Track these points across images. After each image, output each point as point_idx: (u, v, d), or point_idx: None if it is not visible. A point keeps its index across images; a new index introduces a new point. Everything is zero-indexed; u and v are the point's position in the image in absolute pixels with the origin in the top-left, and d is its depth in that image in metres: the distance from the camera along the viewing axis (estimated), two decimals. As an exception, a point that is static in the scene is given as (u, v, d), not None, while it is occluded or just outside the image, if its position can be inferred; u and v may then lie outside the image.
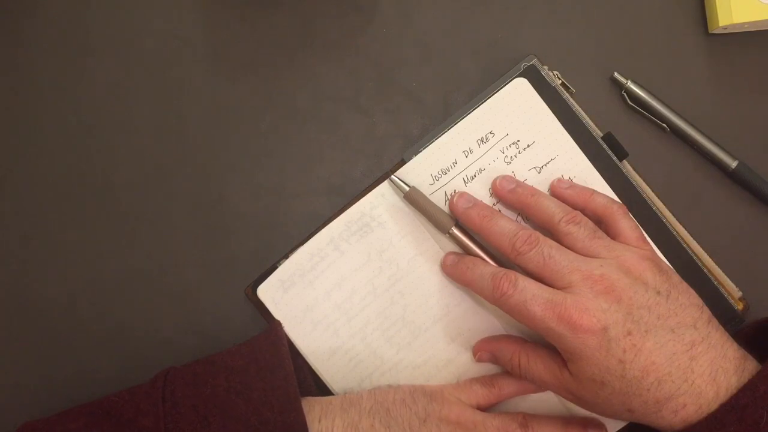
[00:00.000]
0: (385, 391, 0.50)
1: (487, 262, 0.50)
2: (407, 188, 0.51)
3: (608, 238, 0.48)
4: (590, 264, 0.46)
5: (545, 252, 0.47)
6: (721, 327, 0.45)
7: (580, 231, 0.48)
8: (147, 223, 0.55)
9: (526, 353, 0.49)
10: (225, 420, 0.45)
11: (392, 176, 0.52)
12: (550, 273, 0.46)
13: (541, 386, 0.50)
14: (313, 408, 0.48)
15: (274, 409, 0.45)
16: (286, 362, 0.48)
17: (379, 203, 0.53)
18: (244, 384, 0.46)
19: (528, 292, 0.45)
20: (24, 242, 0.55)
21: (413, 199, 0.52)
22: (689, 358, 0.43)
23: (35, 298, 0.55)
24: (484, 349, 0.52)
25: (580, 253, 0.47)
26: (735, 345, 0.45)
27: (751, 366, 0.44)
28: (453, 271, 0.51)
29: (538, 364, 0.48)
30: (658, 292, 0.45)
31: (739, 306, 0.52)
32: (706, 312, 0.45)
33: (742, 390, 0.42)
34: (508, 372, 0.51)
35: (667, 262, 0.50)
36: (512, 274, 0.46)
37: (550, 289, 0.45)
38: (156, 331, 0.54)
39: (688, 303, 0.45)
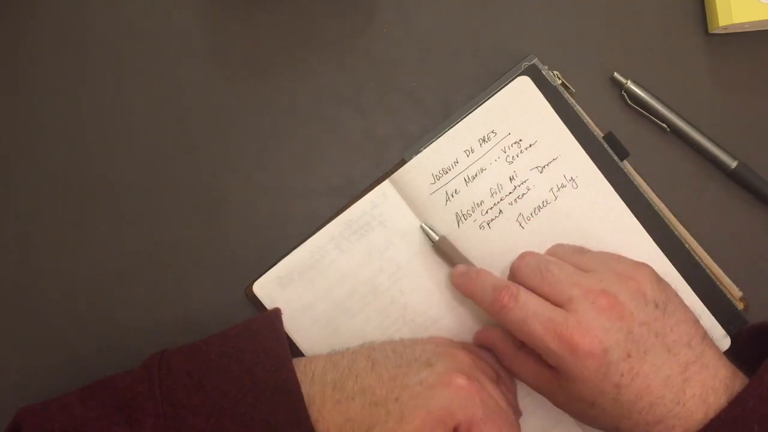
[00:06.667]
0: (373, 342, 0.51)
1: (491, 273, 0.49)
2: (437, 237, 0.51)
3: (596, 251, 0.48)
4: (590, 278, 0.45)
5: (542, 266, 0.46)
6: (713, 343, 0.45)
7: (566, 249, 0.49)
8: (147, 223, 0.55)
9: (521, 351, 0.48)
10: (218, 382, 0.45)
11: (422, 224, 0.52)
12: (549, 287, 0.45)
13: (527, 383, 0.49)
14: (300, 362, 0.48)
15: (266, 369, 0.45)
16: (278, 326, 0.48)
17: (380, 202, 0.52)
18: (236, 347, 0.47)
19: (529, 307, 0.45)
20: (24, 242, 0.55)
21: (441, 249, 0.51)
22: (683, 380, 0.42)
23: (35, 296, 0.54)
24: (484, 336, 0.51)
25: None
26: (726, 362, 0.44)
27: (740, 384, 0.43)
28: (459, 281, 0.50)
29: (529, 364, 0.47)
30: (656, 305, 0.44)
31: (740, 306, 0.52)
32: (701, 328, 0.45)
33: (732, 404, 0.42)
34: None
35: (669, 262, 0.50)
36: (514, 287, 0.46)
37: (552, 307, 0.44)
38: (156, 330, 0.54)
39: (684, 318, 0.45)
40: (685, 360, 0.43)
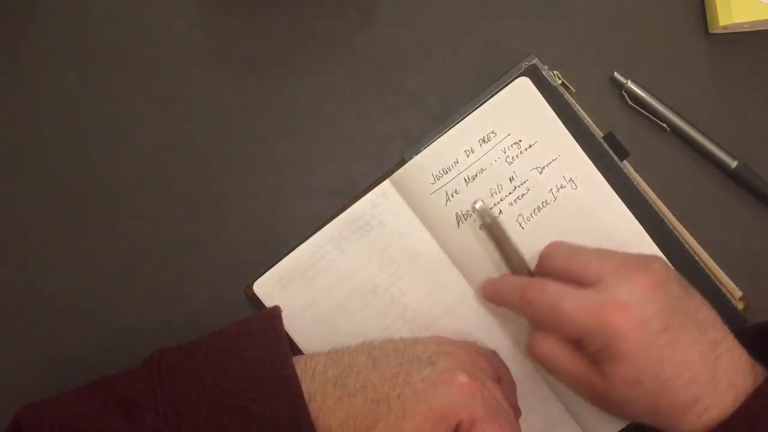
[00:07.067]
0: (373, 341, 0.50)
1: (513, 276, 0.49)
2: (489, 220, 0.50)
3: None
4: (618, 256, 0.45)
5: (573, 249, 0.46)
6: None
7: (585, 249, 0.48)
8: (147, 224, 0.55)
9: (553, 339, 0.47)
10: (218, 379, 0.45)
11: (477, 204, 0.51)
12: (579, 267, 0.45)
13: (558, 377, 0.48)
14: (300, 359, 0.48)
15: (266, 366, 0.45)
16: (278, 323, 0.48)
17: (380, 202, 0.52)
18: (236, 345, 0.47)
19: (557, 294, 0.44)
20: (24, 241, 0.55)
21: (492, 231, 0.51)
22: (714, 357, 0.42)
23: (35, 296, 0.54)
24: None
25: None
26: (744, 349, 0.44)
27: (760, 371, 0.43)
28: (487, 294, 0.50)
29: (563, 355, 0.46)
30: (680, 286, 0.44)
31: (740, 306, 0.52)
32: (719, 316, 0.45)
33: (753, 398, 0.41)
34: None
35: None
36: (540, 281, 0.46)
37: (581, 289, 0.44)
38: (156, 330, 0.54)
39: (703, 302, 0.45)
40: (713, 338, 0.43)
